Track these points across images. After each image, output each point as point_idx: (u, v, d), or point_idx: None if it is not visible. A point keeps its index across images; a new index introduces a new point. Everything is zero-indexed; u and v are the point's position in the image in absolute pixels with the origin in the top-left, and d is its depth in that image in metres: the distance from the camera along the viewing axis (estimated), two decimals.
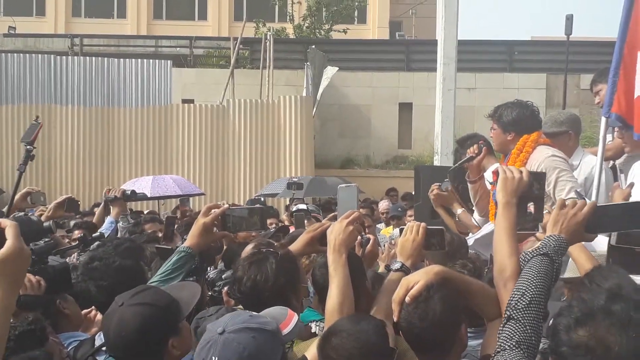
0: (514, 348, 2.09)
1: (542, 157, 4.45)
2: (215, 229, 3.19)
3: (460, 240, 4.40)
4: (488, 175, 4.97)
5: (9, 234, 1.77)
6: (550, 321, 2.04)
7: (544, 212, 2.80)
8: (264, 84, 17.83)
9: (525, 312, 2.16)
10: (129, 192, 5.75)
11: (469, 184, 5.16)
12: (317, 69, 17.86)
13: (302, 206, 9.81)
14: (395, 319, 2.47)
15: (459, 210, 5.30)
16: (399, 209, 9.43)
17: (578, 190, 4.35)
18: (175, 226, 6.13)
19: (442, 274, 2.52)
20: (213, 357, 2.18)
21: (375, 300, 2.92)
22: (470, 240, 4.61)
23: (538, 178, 2.80)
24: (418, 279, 2.46)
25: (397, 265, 2.97)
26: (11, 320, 2.78)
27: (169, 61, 18.00)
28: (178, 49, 22.35)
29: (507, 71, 19.98)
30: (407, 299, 2.43)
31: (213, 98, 17.66)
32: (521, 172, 2.73)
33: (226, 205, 3.28)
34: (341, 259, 2.87)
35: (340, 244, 2.90)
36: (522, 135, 4.60)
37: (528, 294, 2.19)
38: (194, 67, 21.10)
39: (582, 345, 1.82)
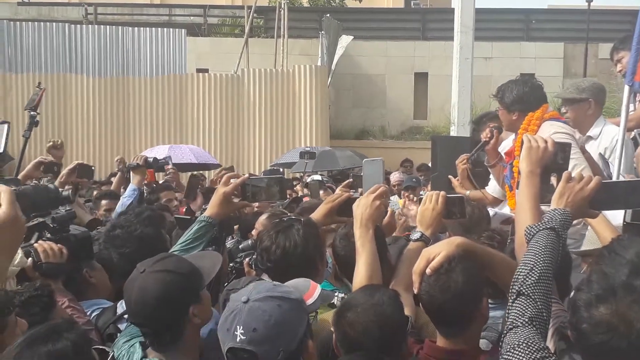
0: (527, 325, 2.03)
1: (546, 135, 4.35)
2: (235, 198, 3.20)
3: (482, 213, 4.36)
4: (503, 149, 4.91)
5: (4, 199, 1.70)
6: (572, 294, 2.01)
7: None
8: (279, 53, 17.72)
9: (535, 287, 2.10)
10: (151, 159, 5.69)
11: (489, 169, 5.10)
12: (331, 38, 17.71)
13: (317, 177, 9.82)
14: (415, 291, 2.44)
15: (468, 192, 5.24)
16: (414, 179, 9.38)
17: (600, 154, 4.27)
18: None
19: (464, 245, 2.47)
20: (238, 326, 2.16)
21: (395, 271, 2.91)
22: (492, 211, 4.56)
23: (563, 148, 2.74)
24: (439, 251, 2.42)
25: (416, 235, 2.94)
26: (18, 286, 2.84)
27: (183, 30, 17.90)
28: (192, 17, 22.20)
29: (524, 40, 19.73)
30: (428, 270, 2.39)
31: (227, 67, 17.57)
32: (546, 141, 2.69)
33: (246, 175, 3.28)
34: (368, 234, 2.86)
35: (367, 219, 2.89)
36: (527, 112, 4.50)
37: (537, 269, 2.13)
38: (208, 36, 20.97)
39: (604, 323, 1.78)
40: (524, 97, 4.54)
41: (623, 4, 21.90)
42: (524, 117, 4.53)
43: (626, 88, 4.28)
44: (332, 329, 2.53)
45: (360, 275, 2.78)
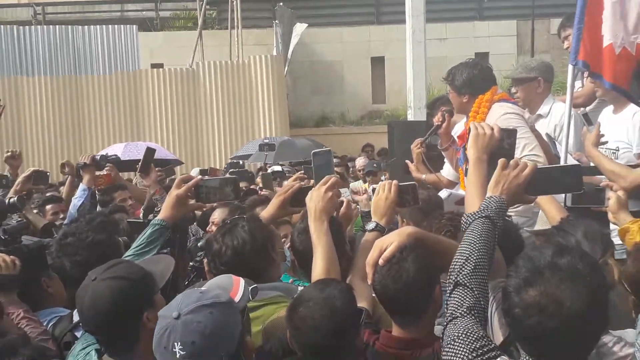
0: (465, 315, 2.04)
1: (496, 117, 4.38)
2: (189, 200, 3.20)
3: (438, 198, 4.41)
4: (455, 132, 4.97)
5: None
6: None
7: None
8: (233, 44, 17.58)
9: (472, 277, 2.12)
10: (98, 157, 5.66)
11: (442, 152, 5.16)
12: (286, 26, 17.61)
13: (277, 168, 9.80)
14: (369, 282, 2.46)
15: (423, 176, 5.29)
16: (374, 164, 9.43)
17: (547, 134, 4.35)
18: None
19: (415, 234, 2.50)
20: (175, 343, 2.12)
21: (353, 263, 2.93)
22: (444, 193, 4.61)
23: (509, 134, 2.80)
24: (391, 241, 2.44)
25: (371, 225, 2.96)
26: None
27: (134, 26, 17.63)
28: (144, 12, 21.88)
29: (477, 19, 19.87)
30: (381, 261, 2.41)
31: (182, 61, 17.40)
32: (492, 128, 2.74)
33: (199, 177, 3.28)
34: (323, 227, 2.88)
35: (321, 211, 2.91)
36: (477, 95, 4.56)
37: (472, 258, 2.15)
38: (161, 30, 20.72)
39: (534, 304, 1.81)
40: (473, 79, 4.60)
41: None
42: (474, 99, 4.58)
43: (570, 67, 4.34)
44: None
45: (319, 269, 2.79)
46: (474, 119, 4.48)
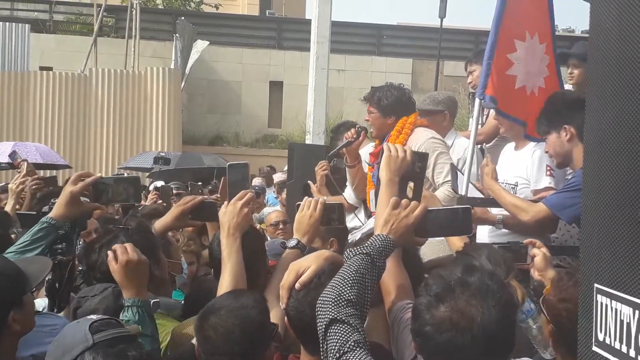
0: (355, 348, 1.98)
1: (423, 139, 4.48)
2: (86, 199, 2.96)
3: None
4: (365, 157, 4.96)
5: None
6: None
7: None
8: (129, 54, 17.12)
9: (347, 312, 2.04)
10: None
11: (347, 169, 5.14)
12: (186, 41, 17.36)
13: (160, 183, 9.49)
14: (282, 306, 2.33)
15: (325, 198, 5.25)
16: (256, 187, 9.45)
17: (452, 164, 4.42)
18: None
19: (333, 258, 2.39)
20: None
21: (270, 280, 2.82)
22: (357, 234, 4.54)
23: (421, 157, 2.80)
24: (308, 265, 2.32)
25: (292, 243, 2.86)
26: None
27: (26, 25, 16.93)
28: (36, 13, 20.94)
29: (375, 54, 20.35)
30: (297, 285, 2.28)
31: (74, 66, 16.79)
32: (405, 150, 2.73)
33: (97, 175, 3.01)
34: (235, 244, 2.75)
35: (235, 228, 2.78)
36: (401, 117, 4.62)
37: (345, 295, 2.07)
38: (54, 33, 19.88)
39: (446, 320, 1.81)
40: (402, 103, 4.65)
41: (466, 25, 23.24)
42: (396, 122, 4.62)
43: (477, 101, 4.43)
44: (193, 340, 2.40)
45: (225, 286, 2.66)
46: (396, 139, 4.49)
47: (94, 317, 2.20)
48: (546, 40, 4.41)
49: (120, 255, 2.62)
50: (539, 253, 2.98)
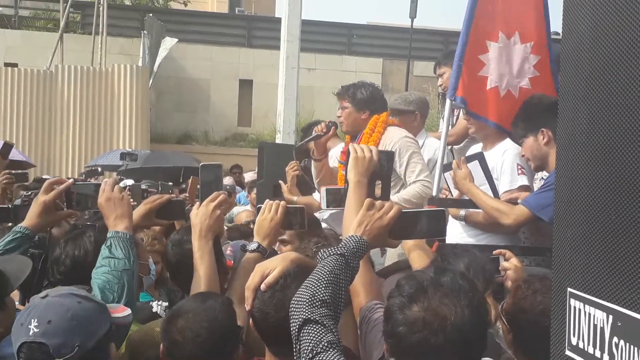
0: (328, 349, 1.96)
1: (397, 138, 4.51)
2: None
3: (313, 220, 4.34)
4: (336, 155, 4.94)
5: None
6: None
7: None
8: (96, 51, 16.89)
9: (323, 315, 2.03)
10: None
11: (312, 162, 5.13)
12: (154, 38, 17.17)
13: (130, 181, 9.36)
14: (247, 308, 2.30)
15: (295, 198, 5.21)
16: (228, 186, 9.39)
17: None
18: None
19: (299, 260, 2.37)
20: (32, 319, 2.01)
21: (229, 283, 2.80)
22: (325, 214, 4.55)
23: (387, 157, 2.83)
24: (274, 266, 2.30)
25: (253, 246, 2.83)
26: None
27: None
28: (1, 8, 20.57)
29: (345, 54, 20.36)
30: (263, 286, 2.26)
31: (40, 63, 16.51)
32: (371, 150, 2.74)
33: (70, 181, 2.95)
34: (208, 246, 2.73)
35: (207, 230, 2.76)
36: (374, 114, 4.63)
37: (319, 295, 2.05)
38: (19, 28, 19.54)
39: (419, 320, 1.81)
40: (377, 99, 4.66)
41: (437, 25, 23.33)
42: (370, 118, 4.62)
43: (447, 102, 4.43)
44: (158, 340, 2.38)
45: (198, 289, 2.64)
46: (369, 137, 4.50)
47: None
48: (532, 40, 4.36)
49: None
50: (510, 267, 2.97)
